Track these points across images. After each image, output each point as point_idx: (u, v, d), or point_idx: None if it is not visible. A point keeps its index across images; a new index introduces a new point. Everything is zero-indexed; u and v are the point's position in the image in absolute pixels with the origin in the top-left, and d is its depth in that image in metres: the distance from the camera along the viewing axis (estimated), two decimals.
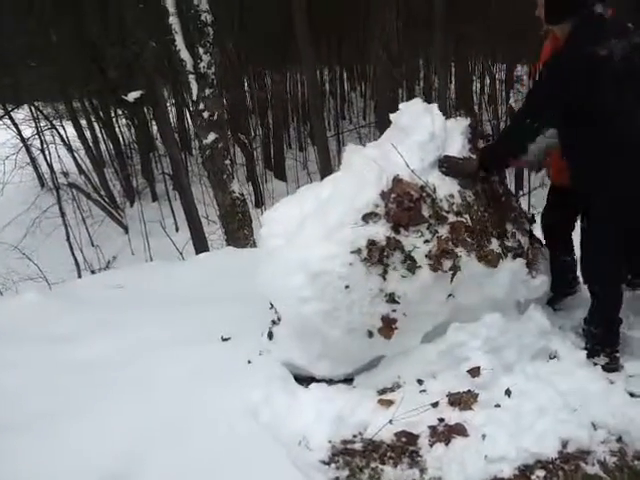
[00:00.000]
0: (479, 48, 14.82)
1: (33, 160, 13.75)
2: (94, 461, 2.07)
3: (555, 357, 2.62)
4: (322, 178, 3.17)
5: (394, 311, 2.51)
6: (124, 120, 14.61)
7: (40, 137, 12.02)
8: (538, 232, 3.00)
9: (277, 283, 2.66)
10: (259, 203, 13.24)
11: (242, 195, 7.29)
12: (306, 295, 2.51)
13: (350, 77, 21.01)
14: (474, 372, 2.40)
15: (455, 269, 2.49)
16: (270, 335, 2.84)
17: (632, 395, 2.39)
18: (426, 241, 2.51)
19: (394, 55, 6.47)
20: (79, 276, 8.85)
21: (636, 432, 2.20)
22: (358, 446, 2.27)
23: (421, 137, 2.69)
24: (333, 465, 2.17)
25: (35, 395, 2.57)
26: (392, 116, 2.91)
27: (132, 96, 7.74)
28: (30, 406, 2.48)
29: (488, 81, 16.38)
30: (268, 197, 13.30)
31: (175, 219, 12.06)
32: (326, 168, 10.18)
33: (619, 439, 2.21)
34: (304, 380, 2.65)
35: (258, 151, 15.23)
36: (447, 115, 2.88)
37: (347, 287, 2.47)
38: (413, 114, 2.81)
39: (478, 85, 17.41)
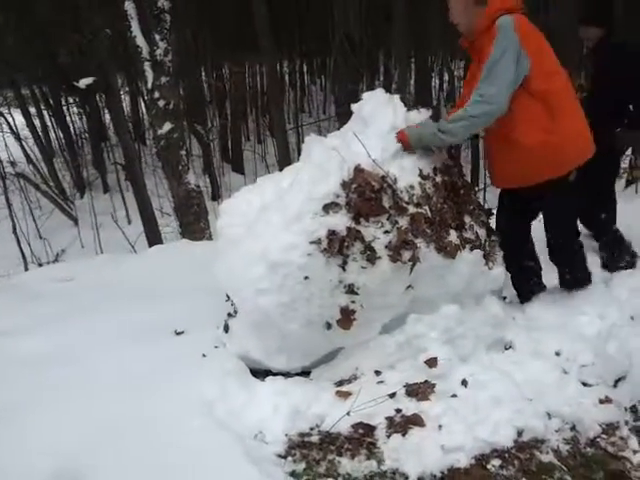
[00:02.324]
0: (438, 44, 14.96)
1: None
2: (41, 461, 1.96)
3: (510, 348, 2.65)
4: (281, 171, 3.11)
5: (353, 302, 2.48)
6: (75, 108, 14.14)
7: None
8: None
9: (235, 274, 2.60)
10: (216, 196, 13.02)
11: (198, 187, 7.13)
12: (264, 287, 2.46)
13: (310, 70, 20.89)
14: (431, 363, 2.40)
15: (414, 260, 2.49)
16: (226, 328, 2.78)
17: (585, 384, 2.44)
18: (386, 232, 2.49)
19: (355, 45, 6.45)
20: (26, 269, 8.51)
21: (589, 420, 2.25)
22: (315, 439, 2.24)
23: (383, 127, 2.68)
24: (290, 458, 2.13)
25: None
26: (354, 106, 2.88)
27: (84, 82, 7.46)
28: None
29: (447, 77, 16.58)
30: (225, 190, 13.09)
31: (127, 211, 11.71)
32: (285, 161, 10.08)
33: (573, 427, 2.25)
34: (260, 373, 2.60)
35: (215, 143, 14.96)
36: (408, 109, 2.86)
37: (306, 278, 2.43)
38: (375, 104, 2.79)
39: (437, 81, 17.60)
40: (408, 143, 2.63)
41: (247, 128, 17.08)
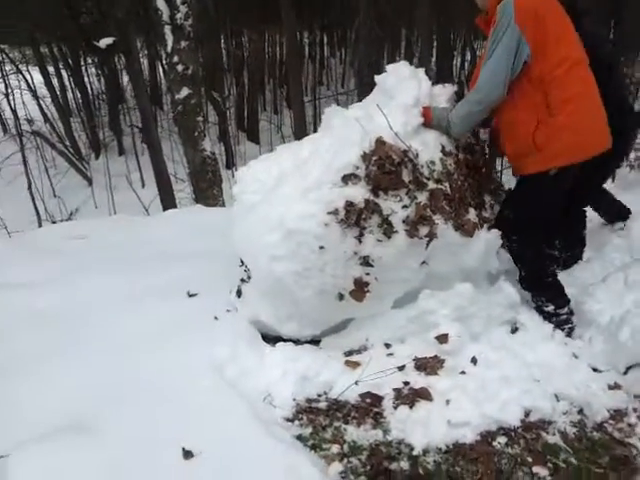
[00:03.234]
0: (461, 22, 14.69)
1: None
2: (52, 411, 2.01)
3: (522, 329, 2.64)
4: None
5: (367, 274, 2.48)
6: (93, 69, 14.07)
7: (5, 81, 11.47)
8: None
9: (250, 239, 2.60)
10: (230, 164, 13.00)
11: (213, 154, 7.13)
12: (279, 253, 2.46)
13: (330, 42, 20.61)
14: (442, 339, 2.41)
15: (431, 236, 2.47)
16: (239, 293, 2.79)
17: (595, 370, 2.43)
18: (404, 206, 2.47)
19: (381, 16, 6.33)
20: (40, 226, 8.57)
21: (597, 405, 2.25)
22: (322, 405, 2.26)
23: (406, 101, 2.63)
24: (297, 422, 2.16)
25: None
26: (377, 78, 2.83)
27: (104, 42, 7.42)
28: None
29: (469, 57, 16.31)
30: (240, 158, 13.07)
31: (142, 174, 11.74)
32: (301, 133, 10.04)
33: (580, 411, 2.26)
34: (271, 339, 2.62)
35: (231, 111, 14.89)
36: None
37: (321, 248, 2.42)
38: (399, 77, 2.74)
39: (459, 60, 17.33)
40: (430, 122, 2.59)
41: (264, 98, 16.96)
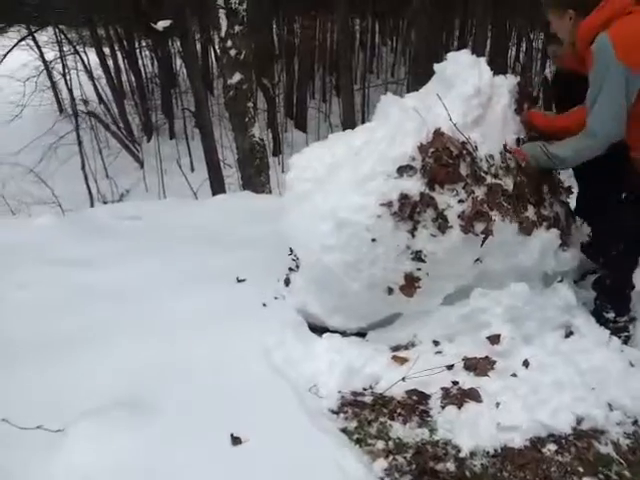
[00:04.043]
0: (519, 12, 14.25)
1: (53, 84, 13.55)
2: (107, 387, 2.07)
3: (577, 334, 2.55)
4: (344, 131, 3.04)
5: (419, 270, 2.43)
6: (147, 52, 14.31)
7: (62, 61, 11.80)
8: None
9: (301, 228, 2.60)
10: (277, 151, 13.06)
11: (262, 140, 7.16)
12: (330, 244, 2.45)
13: (382, 30, 20.35)
14: (494, 339, 2.35)
15: (487, 233, 2.40)
16: (287, 281, 2.80)
17: None
18: (460, 201, 2.41)
19: (440, 2, 6.19)
20: (92, 205, 8.83)
21: None
22: (368, 399, 2.24)
23: (466, 91, 2.55)
24: (342, 415, 2.15)
25: (51, 317, 2.56)
26: (437, 66, 2.76)
27: (161, 25, 7.52)
28: (46, 327, 2.48)
29: (524, 48, 15.85)
30: (287, 146, 13.11)
31: (191, 159, 11.93)
32: (349, 121, 9.98)
33: (635, 422, 2.17)
34: (317, 329, 2.61)
35: (280, 98, 14.93)
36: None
37: (373, 240, 2.39)
38: (459, 66, 2.66)
39: (513, 52, 16.86)
40: (527, 161, 2.52)
41: (313, 86, 16.92)
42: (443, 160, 2.40)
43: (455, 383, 2.26)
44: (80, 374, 2.15)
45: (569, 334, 2.53)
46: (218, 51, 7.44)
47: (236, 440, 1.85)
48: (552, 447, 2.05)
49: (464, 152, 2.43)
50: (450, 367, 2.31)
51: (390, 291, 2.48)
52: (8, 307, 2.64)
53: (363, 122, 10.68)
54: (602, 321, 2.57)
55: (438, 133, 2.43)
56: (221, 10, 6.45)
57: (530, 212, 2.50)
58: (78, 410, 1.91)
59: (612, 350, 2.46)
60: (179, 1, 7.60)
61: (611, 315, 2.57)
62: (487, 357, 2.33)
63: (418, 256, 2.41)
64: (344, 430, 2.07)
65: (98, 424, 1.86)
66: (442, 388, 2.24)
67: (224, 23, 6.51)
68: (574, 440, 2.08)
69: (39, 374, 2.15)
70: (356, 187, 2.46)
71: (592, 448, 2.05)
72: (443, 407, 2.17)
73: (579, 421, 2.13)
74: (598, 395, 2.22)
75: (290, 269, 2.84)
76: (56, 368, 2.19)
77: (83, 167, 9.68)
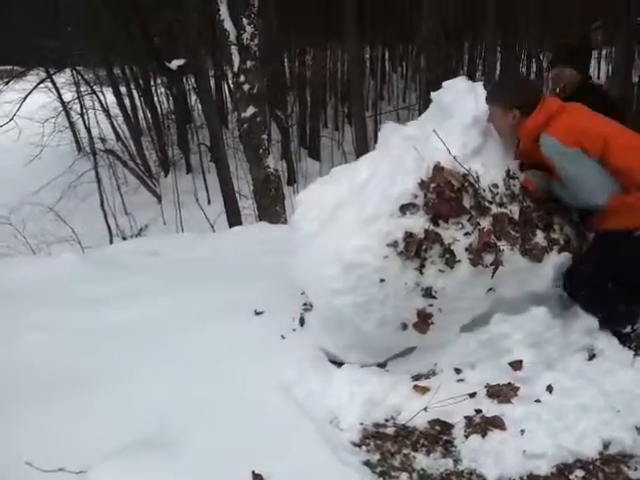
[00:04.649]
0: (528, 32, 14.38)
1: (72, 124, 13.90)
2: (127, 427, 2.07)
3: (600, 356, 2.51)
4: (357, 159, 3.07)
5: (430, 306, 2.42)
6: (163, 90, 14.64)
7: (80, 101, 12.13)
8: None
9: (310, 272, 2.59)
10: (292, 181, 13.19)
11: (277, 171, 7.24)
12: (339, 287, 2.44)
13: (392, 57, 20.62)
14: (516, 365, 2.31)
15: (497, 264, 2.38)
16: (301, 321, 2.80)
17: None
18: (467, 234, 2.41)
19: (450, 31, 6.27)
20: (111, 242, 8.96)
21: None
22: (390, 431, 2.22)
23: (464, 120, 2.57)
24: (364, 448, 2.13)
25: (68, 358, 2.59)
26: (434, 95, 2.79)
27: (175, 64, 7.72)
28: (63, 368, 2.50)
29: (534, 68, 15.92)
30: (301, 175, 13.24)
31: (208, 192, 12.09)
32: (362, 148, 10.04)
33: None
34: (336, 361, 2.60)
35: (294, 128, 15.12)
36: None
37: (382, 280, 2.38)
38: (456, 94, 2.68)
39: (524, 72, 16.93)
40: (536, 193, 2.57)
41: (325, 115, 17.12)
42: (445, 194, 2.39)
43: (478, 411, 2.22)
44: (99, 414, 2.16)
45: (592, 356, 2.49)
46: (231, 86, 7.57)
47: (257, 477, 1.83)
48: (579, 473, 2.00)
49: (466, 184, 2.43)
50: (472, 395, 2.28)
51: (404, 327, 2.46)
52: (25, 349, 2.67)
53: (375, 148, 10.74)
54: (622, 339, 2.53)
55: (438, 168, 2.43)
56: (233, 47, 6.61)
57: (539, 237, 2.49)
58: (98, 451, 1.91)
59: (637, 370, 2.41)
60: (193, 41, 7.79)
61: (628, 329, 2.53)
62: (510, 383, 2.30)
63: (428, 292, 2.39)
64: (367, 463, 2.05)
65: (120, 465, 1.86)
66: (465, 417, 2.21)
67: (236, 59, 6.66)
68: (602, 465, 2.03)
69: (58, 415, 2.16)
70: (361, 228, 2.45)
71: (621, 473, 2.01)
72: (467, 436, 2.14)
73: (606, 445, 2.09)
74: (624, 418, 2.18)
75: (304, 309, 2.84)
76: (75, 409, 2.19)
77: (102, 204, 9.86)
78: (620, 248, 2.44)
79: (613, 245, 2.45)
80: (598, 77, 16.37)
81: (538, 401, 2.24)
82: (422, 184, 2.43)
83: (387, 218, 2.41)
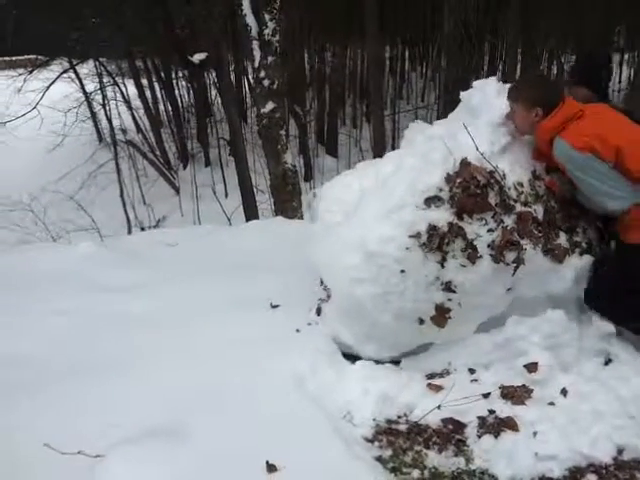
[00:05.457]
0: (549, 34, 14.22)
1: (93, 115, 14.00)
2: (143, 414, 2.11)
3: (615, 361, 2.50)
4: (375, 157, 3.08)
5: (449, 300, 2.43)
6: (184, 83, 14.71)
7: (102, 92, 12.19)
8: None
9: (331, 260, 2.62)
10: (309, 177, 13.19)
11: (294, 167, 7.26)
12: (360, 276, 2.46)
13: (411, 56, 20.50)
14: (531, 368, 2.32)
15: (518, 262, 2.39)
16: (318, 311, 2.82)
17: None
18: (490, 230, 2.41)
19: (471, 30, 6.21)
20: (129, 232, 9.04)
21: None
22: (403, 427, 2.24)
23: (493, 119, 2.57)
24: (377, 443, 2.15)
25: (87, 343, 2.64)
26: (463, 94, 2.78)
27: (197, 57, 7.75)
28: (82, 354, 2.55)
29: (555, 71, 15.75)
30: (318, 172, 13.24)
31: (225, 185, 12.14)
32: (380, 147, 10.02)
33: None
34: (350, 357, 2.62)
35: (312, 124, 15.12)
36: None
37: (402, 272, 2.40)
38: (486, 94, 2.68)
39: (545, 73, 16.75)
40: (561, 192, 2.55)
41: (344, 112, 17.07)
42: (471, 190, 2.40)
43: (492, 412, 2.24)
44: (116, 400, 2.20)
45: (608, 362, 2.48)
46: (252, 81, 7.60)
47: (271, 468, 1.86)
48: (592, 478, 2.01)
49: (492, 181, 2.43)
50: (486, 395, 2.29)
51: (421, 321, 2.48)
52: (46, 334, 2.72)
53: (393, 147, 10.72)
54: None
55: (465, 163, 2.44)
56: (255, 42, 6.63)
57: (562, 239, 2.48)
58: (115, 436, 1.95)
59: None
60: (215, 35, 7.82)
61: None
62: (524, 385, 2.30)
63: (448, 287, 2.41)
64: (379, 459, 2.07)
65: (136, 451, 1.89)
66: (478, 417, 2.22)
67: (257, 54, 6.67)
68: (615, 471, 2.03)
69: (76, 400, 2.21)
70: (384, 219, 2.47)
71: (635, 479, 2.00)
72: (479, 436, 2.15)
73: (620, 451, 2.09)
74: (639, 423, 2.17)
75: (321, 299, 2.87)
76: (92, 394, 2.24)
77: (122, 194, 9.92)
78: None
79: (633, 260, 2.41)
80: (619, 81, 16.16)
81: (552, 404, 2.25)
82: (448, 178, 2.45)
83: (412, 209, 2.43)
